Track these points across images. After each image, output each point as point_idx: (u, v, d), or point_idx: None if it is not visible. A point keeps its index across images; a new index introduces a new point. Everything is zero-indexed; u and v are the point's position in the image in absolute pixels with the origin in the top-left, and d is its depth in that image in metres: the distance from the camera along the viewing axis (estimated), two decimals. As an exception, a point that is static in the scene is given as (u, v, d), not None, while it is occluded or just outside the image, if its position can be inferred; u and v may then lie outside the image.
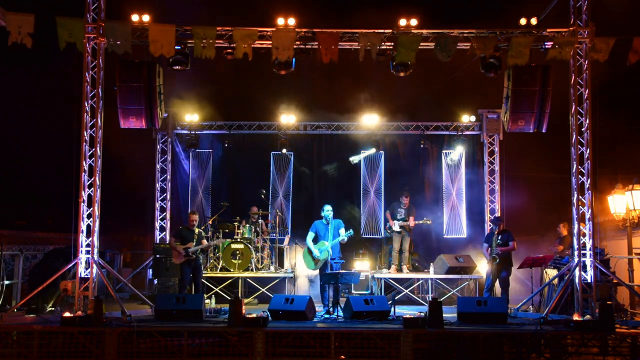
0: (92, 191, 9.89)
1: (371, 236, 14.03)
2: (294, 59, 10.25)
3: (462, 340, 8.34)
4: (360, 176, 14.19)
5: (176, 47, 10.10)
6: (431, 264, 12.31)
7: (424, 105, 14.44)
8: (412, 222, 12.24)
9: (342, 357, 8.17)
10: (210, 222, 12.99)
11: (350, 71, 10.99)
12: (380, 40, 10.11)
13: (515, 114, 10.61)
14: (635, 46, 9.75)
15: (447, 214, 13.97)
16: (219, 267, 12.12)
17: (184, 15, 11.34)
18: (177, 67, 10.48)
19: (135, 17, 10.16)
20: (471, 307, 9.05)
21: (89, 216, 9.88)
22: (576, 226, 9.92)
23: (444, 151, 14.15)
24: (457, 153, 13.99)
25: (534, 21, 10.27)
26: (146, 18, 10.16)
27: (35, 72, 14.04)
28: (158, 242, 13.33)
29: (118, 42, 9.81)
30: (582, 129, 10.03)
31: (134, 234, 16.98)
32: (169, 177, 14.05)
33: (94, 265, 9.71)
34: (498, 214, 13.38)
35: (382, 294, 11.61)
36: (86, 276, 9.67)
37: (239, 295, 11.54)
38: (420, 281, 12.57)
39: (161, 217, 13.85)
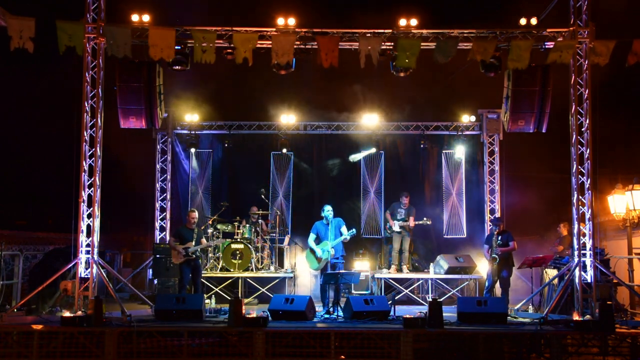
0: (92, 191, 9.90)
1: (371, 236, 14.03)
2: (294, 60, 10.26)
3: (462, 340, 8.34)
4: (360, 176, 14.19)
5: (176, 47, 10.10)
6: (431, 264, 12.31)
7: (424, 105, 14.43)
8: (412, 222, 12.24)
9: (342, 357, 8.17)
10: (210, 222, 12.99)
11: (350, 71, 10.98)
12: (381, 43, 10.10)
13: (515, 114, 10.62)
14: (634, 48, 9.75)
15: (447, 214, 13.96)
16: (219, 267, 12.12)
17: (184, 14, 11.35)
18: (177, 67, 10.49)
19: (135, 17, 10.17)
20: (471, 307, 9.05)
21: (89, 216, 9.89)
22: (576, 226, 9.92)
23: (444, 151, 14.15)
24: (457, 153, 13.99)
25: (534, 21, 10.28)
26: (146, 18, 10.18)
27: (35, 72, 14.03)
28: (158, 242, 13.33)
29: (118, 47, 9.81)
30: (582, 129, 10.03)
31: (134, 234, 16.97)
32: (169, 177, 14.05)
33: (94, 265, 9.72)
34: (498, 214, 13.39)
35: (382, 294, 11.61)
36: (86, 276, 9.68)
37: (239, 295, 11.53)
38: (420, 281, 12.57)
39: (161, 217, 13.85)
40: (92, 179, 9.92)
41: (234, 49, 10.13)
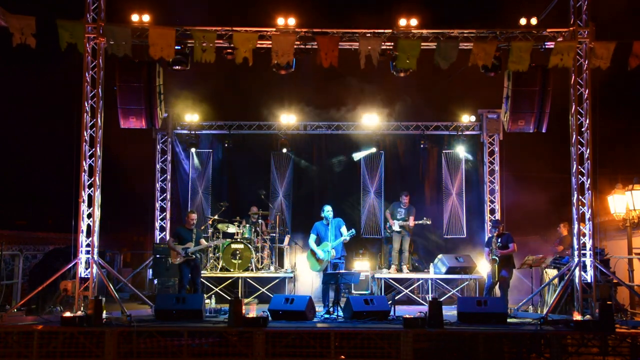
0: (92, 191, 9.90)
1: (371, 236, 14.02)
2: (294, 60, 10.26)
3: (462, 340, 8.34)
4: (360, 176, 14.19)
5: (176, 47, 10.10)
6: (431, 264, 12.31)
7: (424, 105, 14.42)
8: (412, 222, 12.24)
9: (342, 357, 8.17)
10: (210, 222, 12.99)
11: (351, 71, 10.99)
12: (381, 44, 10.10)
13: (515, 114, 10.63)
14: (635, 50, 9.74)
15: (447, 214, 13.96)
16: (219, 267, 12.12)
17: (184, 13, 11.35)
18: (177, 67, 10.49)
19: (135, 17, 10.17)
20: (471, 307, 9.05)
21: (89, 216, 9.89)
22: (576, 226, 9.92)
23: (444, 151, 14.14)
24: (457, 153, 13.99)
25: (534, 21, 10.28)
26: (146, 18, 10.18)
27: (35, 72, 14.04)
28: (158, 242, 13.32)
29: (118, 46, 9.80)
30: (582, 129, 10.03)
31: (134, 234, 16.98)
32: (169, 177, 14.04)
33: (94, 265, 9.72)
34: (498, 215, 13.39)
35: (382, 294, 11.61)
36: (86, 276, 9.68)
37: (239, 295, 11.53)
38: (420, 281, 12.57)
39: (161, 217, 13.84)
40: (92, 179, 9.92)
41: (234, 48, 10.12)
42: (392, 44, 10.29)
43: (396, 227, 12.30)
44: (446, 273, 11.88)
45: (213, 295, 11.19)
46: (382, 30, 10.31)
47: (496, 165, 13.79)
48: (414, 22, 10.29)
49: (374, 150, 13.98)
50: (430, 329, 8.34)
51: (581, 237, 9.88)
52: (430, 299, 10.23)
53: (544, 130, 10.65)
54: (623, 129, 14.51)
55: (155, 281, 12.05)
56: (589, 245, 9.85)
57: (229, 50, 10.31)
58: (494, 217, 13.35)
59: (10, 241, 11.90)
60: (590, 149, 9.95)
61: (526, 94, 10.45)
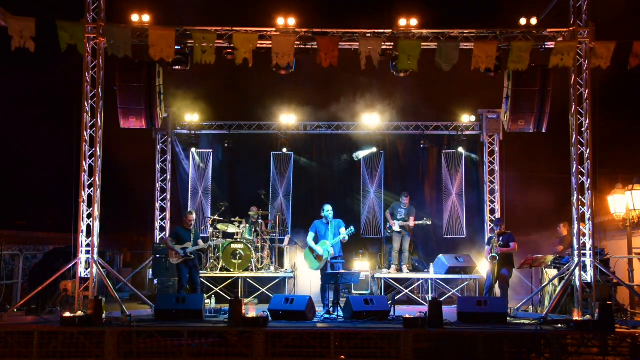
0: (92, 191, 9.90)
1: (371, 236, 14.02)
2: (294, 60, 10.25)
3: (462, 340, 8.34)
4: (360, 176, 14.20)
5: (176, 47, 10.10)
6: (431, 264, 12.31)
7: (424, 105, 14.42)
8: (412, 222, 12.24)
9: (342, 357, 8.17)
10: (210, 222, 12.99)
11: (351, 71, 10.99)
12: (381, 45, 10.09)
13: (515, 114, 10.63)
14: (635, 50, 9.74)
15: (447, 214, 13.96)
16: (219, 267, 12.12)
17: (184, 13, 11.35)
18: (177, 67, 10.50)
19: (135, 17, 10.17)
20: (471, 307, 9.05)
21: (89, 216, 9.89)
22: (576, 226, 9.92)
23: (444, 151, 14.15)
24: (457, 153, 13.99)
25: (534, 21, 10.28)
26: (146, 18, 10.18)
27: (35, 72, 14.02)
28: (158, 242, 13.32)
29: (118, 47, 9.80)
30: (582, 129, 10.04)
31: (134, 234, 16.97)
32: (169, 177, 14.04)
33: (94, 265, 9.72)
34: (498, 214, 13.39)
35: (382, 294, 11.61)
36: (86, 276, 9.68)
37: (239, 295, 11.53)
38: (420, 281, 12.57)
39: (161, 217, 13.84)
40: (92, 179, 9.92)
41: (234, 49, 10.12)
42: (392, 44, 10.29)
43: (396, 228, 12.30)
44: (446, 273, 11.88)
45: (213, 295, 11.18)
46: (382, 30, 10.31)
47: (496, 165, 13.80)
48: (414, 22, 10.29)
49: (374, 150, 13.99)
50: (430, 329, 8.34)
51: (581, 237, 9.88)
52: (430, 299, 10.23)
53: (544, 130, 10.65)
54: (623, 129, 14.50)
55: (155, 281, 12.05)
56: (589, 245, 9.85)
57: (229, 50, 10.32)
58: (494, 217, 13.35)
59: (10, 241, 11.90)
60: (590, 149, 9.95)
61: (526, 94, 10.45)
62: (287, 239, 13.18)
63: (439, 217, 13.80)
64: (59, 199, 10.75)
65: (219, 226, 12.71)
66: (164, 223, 13.83)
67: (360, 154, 14.03)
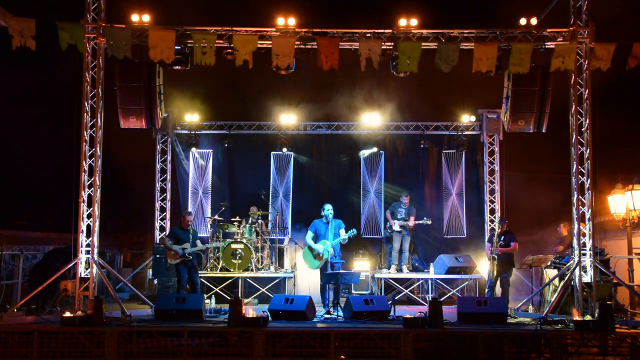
0: (92, 191, 9.89)
1: (371, 236, 14.03)
2: (294, 61, 10.25)
3: (462, 340, 8.34)
4: (360, 176, 14.20)
5: (176, 47, 10.09)
6: (431, 264, 12.31)
7: (424, 105, 14.43)
8: (412, 222, 12.24)
9: (342, 357, 8.17)
10: (210, 222, 12.99)
11: (351, 71, 10.99)
12: (381, 46, 10.09)
13: (515, 114, 10.63)
14: (635, 51, 9.74)
15: (447, 214, 13.96)
16: (219, 267, 12.12)
17: (184, 14, 11.34)
18: (177, 67, 10.49)
19: (135, 17, 10.17)
20: (471, 307, 9.05)
21: (89, 216, 9.89)
22: (576, 226, 9.92)
23: (444, 151, 14.15)
24: (457, 153, 13.99)
25: (534, 21, 10.27)
26: (146, 18, 10.18)
27: (35, 72, 14.03)
28: (158, 242, 13.32)
29: (118, 47, 9.80)
30: (582, 129, 10.04)
31: (134, 234, 16.98)
32: (169, 177, 14.04)
33: (94, 265, 9.71)
34: (498, 214, 13.40)
35: (382, 294, 11.61)
36: (86, 276, 9.68)
37: (239, 295, 11.53)
38: (420, 281, 12.56)
39: (161, 217, 13.84)
40: (92, 179, 9.92)
41: (234, 50, 10.12)
42: (392, 44, 10.28)
43: (396, 227, 12.30)
44: (446, 273, 11.88)
45: (213, 295, 11.17)
46: (382, 31, 10.31)
47: (496, 165, 13.80)
48: (414, 22, 10.28)
49: (375, 149, 14.01)
50: (430, 329, 8.34)
51: (581, 237, 9.88)
52: (430, 299, 10.24)
53: (543, 130, 10.65)
54: (623, 129, 14.50)
55: (155, 281, 12.05)
56: (589, 245, 9.85)
57: (229, 51, 10.31)
58: (494, 217, 13.37)
59: (10, 241, 11.90)
60: (590, 149, 9.95)
61: (526, 94, 10.45)
62: (287, 239, 13.18)
63: (439, 217, 13.80)
64: (59, 199, 10.76)
65: (219, 226, 12.71)
66: (164, 223, 13.83)
67: (365, 152, 14.03)
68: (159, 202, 13.85)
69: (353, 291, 12.40)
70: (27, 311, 9.77)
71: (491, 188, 13.78)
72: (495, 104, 13.01)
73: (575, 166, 9.98)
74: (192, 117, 13.92)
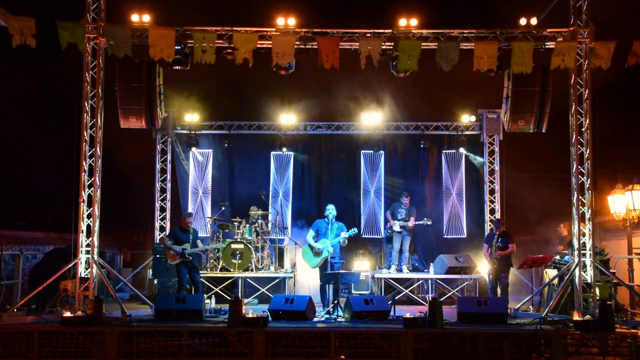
0: (92, 191, 9.89)
1: (371, 236, 14.03)
2: (294, 61, 10.25)
3: (462, 340, 8.34)
4: (361, 176, 14.20)
5: (176, 47, 10.09)
6: (431, 264, 12.31)
7: (424, 105, 14.43)
8: (412, 222, 12.24)
9: (342, 357, 8.16)
10: (210, 222, 12.98)
11: (351, 70, 10.99)
12: (381, 44, 10.09)
13: (515, 114, 10.62)
14: (634, 49, 9.74)
15: (447, 214, 13.96)
16: (219, 267, 12.12)
17: (184, 13, 11.33)
18: (177, 67, 10.49)
19: (135, 17, 10.16)
20: (471, 307, 9.05)
21: (89, 216, 9.89)
22: (576, 226, 9.92)
23: (444, 151, 14.15)
24: (457, 153, 13.99)
25: (534, 21, 10.27)
26: (146, 18, 10.17)
27: (35, 72, 14.03)
28: (158, 242, 13.32)
29: (118, 46, 9.80)
30: (582, 129, 10.03)
31: (134, 234, 16.98)
32: (169, 177, 14.04)
33: (94, 265, 9.71)
34: (498, 215, 13.39)
35: (382, 294, 11.61)
36: (86, 276, 9.68)
37: (239, 295, 11.53)
38: (420, 281, 12.56)
39: (161, 217, 13.84)
40: (92, 179, 9.92)
41: (234, 49, 10.12)
42: (392, 44, 10.28)
43: (397, 228, 12.30)
44: (446, 273, 11.88)
45: (213, 295, 11.17)
46: (382, 30, 10.31)
47: (496, 165, 13.80)
48: (414, 22, 10.28)
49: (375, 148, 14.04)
50: (430, 329, 8.34)
51: (581, 237, 9.88)
52: (430, 299, 10.24)
53: (543, 130, 10.64)
54: (623, 129, 14.50)
55: (155, 281, 12.05)
56: (589, 245, 9.85)
57: (229, 50, 10.31)
58: (494, 217, 13.36)
59: (10, 241, 11.90)
60: (590, 149, 9.95)
61: (526, 94, 10.44)
62: (287, 239, 13.18)
63: (439, 217, 13.80)
64: (59, 199, 10.76)
65: (219, 226, 12.72)
66: (164, 223, 13.83)
67: (367, 150, 14.04)
68: (159, 202, 13.86)
69: (353, 291, 12.40)
70: (27, 311, 9.78)
71: (491, 188, 13.78)
72: (495, 104, 13.01)
73: (575, 166, 9.98)
74: (192, 117, 13.92)
